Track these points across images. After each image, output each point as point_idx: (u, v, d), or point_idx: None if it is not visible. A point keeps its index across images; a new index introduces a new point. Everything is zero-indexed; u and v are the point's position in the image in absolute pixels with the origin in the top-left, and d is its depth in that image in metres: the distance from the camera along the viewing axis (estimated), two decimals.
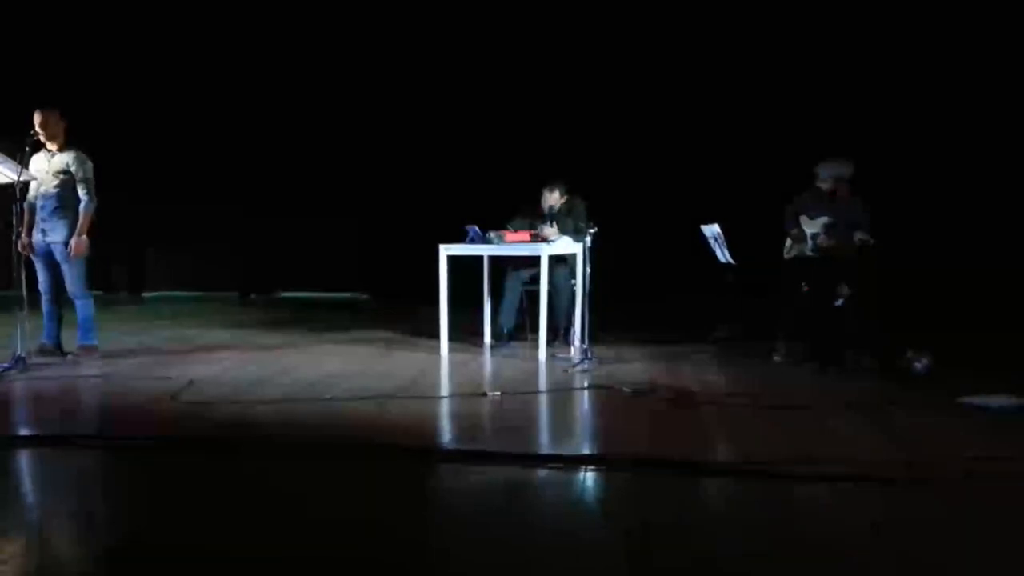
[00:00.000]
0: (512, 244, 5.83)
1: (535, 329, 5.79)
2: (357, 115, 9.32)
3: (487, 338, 6.25)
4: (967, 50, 7.32)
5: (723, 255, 6.39)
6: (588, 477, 3.15)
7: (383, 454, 3.42)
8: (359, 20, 9.05)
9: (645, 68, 8.36)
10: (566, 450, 3.50)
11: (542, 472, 3.20)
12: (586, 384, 4.74)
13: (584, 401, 4.44)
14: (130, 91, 9.54)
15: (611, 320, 6.70)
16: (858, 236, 5.28)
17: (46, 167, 5.28)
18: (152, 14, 9.29)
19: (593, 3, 8.41)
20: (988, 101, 7.30)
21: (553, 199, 6.26)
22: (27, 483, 3.21)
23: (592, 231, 5.37)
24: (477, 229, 5.86)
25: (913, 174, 7.28)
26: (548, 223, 6.06)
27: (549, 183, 6.30)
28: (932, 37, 7.39)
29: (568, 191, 6.32)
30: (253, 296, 10.27)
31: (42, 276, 5.40)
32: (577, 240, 5.88)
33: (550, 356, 5.60)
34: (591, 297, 5.39)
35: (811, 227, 5.58)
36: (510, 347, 6.07)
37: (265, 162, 9.69)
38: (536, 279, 5.77)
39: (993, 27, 7.23)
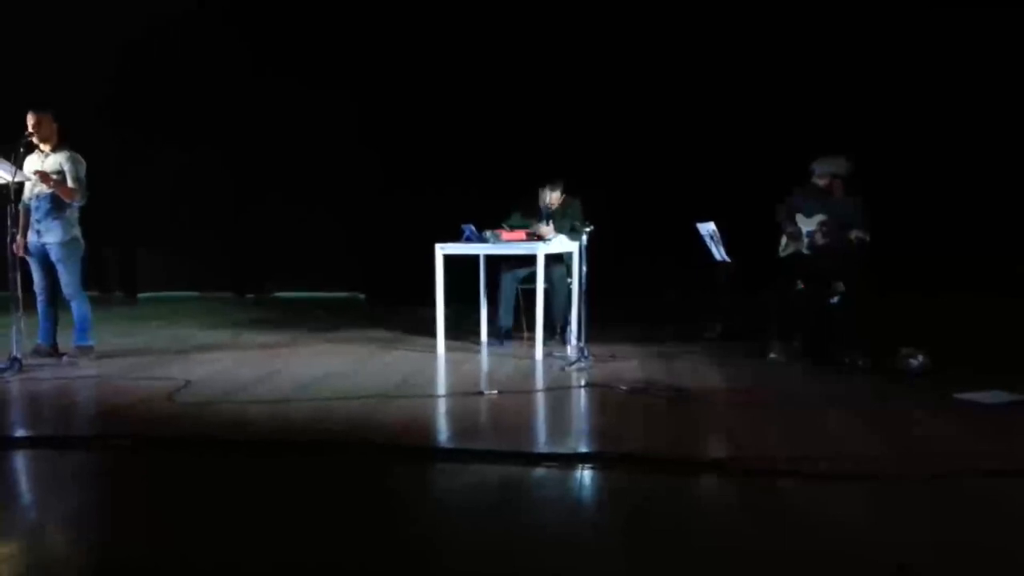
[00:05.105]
0: (508, 243, 5.82)
1: (532, 328, 5.79)
2: (354, 114, 9.29)
3: (484, 337, 6.25)
4: (963, 48, 7.35)
5: (719, 253, 6.40)
6: (585, 475, 3.16)
7: (380, 453, 3.42)
8: (358, 16, 9.03)
9: (641, 66, 8.35)
10: (563, 448, 3.51)
11: (539, 471, 3.21)
12: (583, 382, 4.74)
13: (581, 399, 4.45)
14: (124, 91, 9.50)
15: (608, 318, 6.69)
16: (854, 234, 5.29)
17: (40, 168, 5.26)
18: (146, 15, 9.25)
19: (589, 1, 8.40)
20: (985, 100, 7.32)
21: (554, 197, 6.24)
22: (23, 484, 3.21)
23: (588, 230, 5.36)
24: (473, 228, 5.85)
25: (910, 172, 7.29)
26: (544, 221, 6.06)
27: (552, 181, 6.27)
28: (927, 34, 7.41)
29: (564, 191, 6.31)
30: (249, 296, 10.25)
31: (37, 277, 5.38)
32: (573, 239, 5.88)
33: (547, 355, 5.59)
34: (587, 295, 5.40)
35: (807, 225, 5.59)
36: (507, 346, 6.08)
37: (260, 161, 9.66)
38: (532, 278, 5.77)
39: (992, 26, 7.25)
